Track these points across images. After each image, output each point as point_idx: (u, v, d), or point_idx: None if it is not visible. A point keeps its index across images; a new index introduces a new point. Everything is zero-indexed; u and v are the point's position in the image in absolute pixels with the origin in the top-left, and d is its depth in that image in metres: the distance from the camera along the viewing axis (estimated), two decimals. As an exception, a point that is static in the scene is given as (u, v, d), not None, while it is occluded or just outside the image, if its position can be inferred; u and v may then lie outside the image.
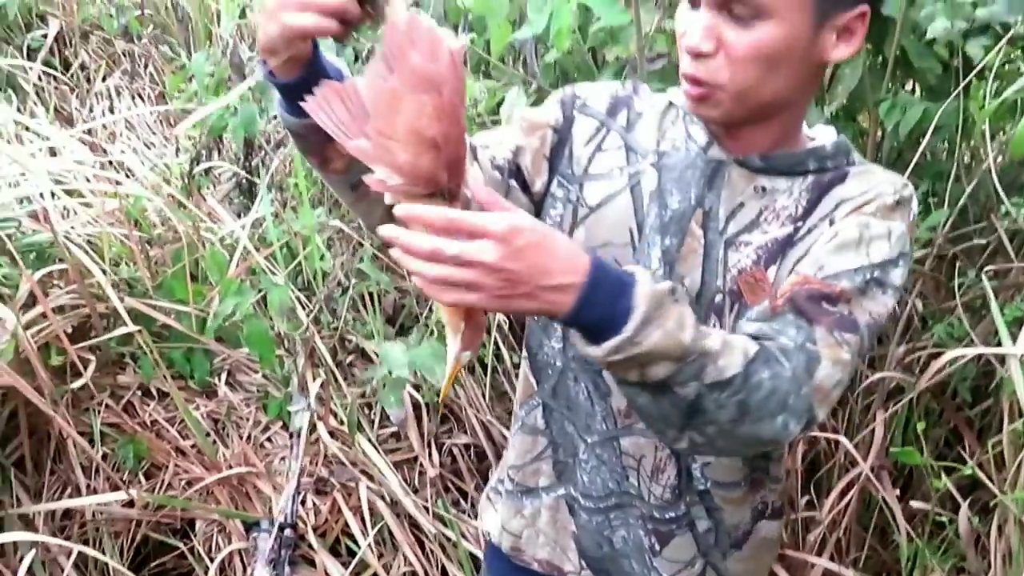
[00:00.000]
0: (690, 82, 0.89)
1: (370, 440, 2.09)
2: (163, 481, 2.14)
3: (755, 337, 0.85)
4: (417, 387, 2.11)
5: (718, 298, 0.95)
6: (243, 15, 2.43)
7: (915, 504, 1.66)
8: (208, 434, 2.20)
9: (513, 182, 1.02)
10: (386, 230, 0.74)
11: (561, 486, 1.11)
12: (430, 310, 2.12)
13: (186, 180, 2.43)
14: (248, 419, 2.27)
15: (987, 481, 1.43)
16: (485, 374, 2.17)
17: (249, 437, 2.23)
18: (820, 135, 0.98)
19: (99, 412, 2.17)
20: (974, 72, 1.60)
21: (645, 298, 0.76)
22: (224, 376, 2.33)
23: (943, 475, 1.54)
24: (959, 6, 1.73)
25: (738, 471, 1.05)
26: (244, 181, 2.79)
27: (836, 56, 0.88)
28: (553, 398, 1.09)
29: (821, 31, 0.86)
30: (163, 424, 2.23)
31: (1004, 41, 1.57)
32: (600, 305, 0.76)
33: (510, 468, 1.17)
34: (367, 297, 2.16)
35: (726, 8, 0.84)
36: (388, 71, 0.73)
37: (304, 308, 2.15)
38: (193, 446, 2.18)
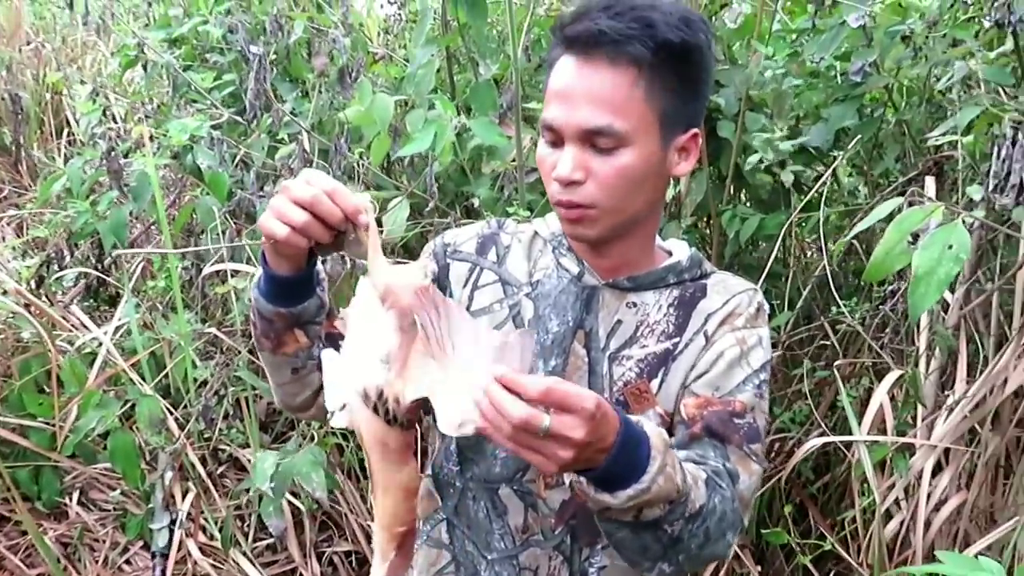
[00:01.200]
0: (565, 207, 0.96)
1: (245, 554, 2.01)
2: (6, 618, 1.94)
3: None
4: (295, 494, 2.06)
5: None
6: (104, 115, 2.36)
7: (784, 580, 1.81)
8: (59, 560, 2.02)
9: None
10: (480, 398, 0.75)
11: None
12: (310, 415, 2.09)
13: (34, 284, 2.28)
14: (104, 540, 2.11)
15: (846, 555, 1.61)
16: (364, 477, 2.15)
17: (106, 560, 2.07)
18: (675, 249, 1.08)
19: (-75, 545, 1.95)
20: (807, 197, 1.85)
21: (660, 449, 0.81)
22: (76, 495, 2.16)
23: (807, 551, 1.70)
24: (772, 141, 2.02)
25: (634, 573, 1.08)
26: (94, 283, 2.65)
27: (679, 171, 0.99)
28: (456, 515, 1.13)
29: (667, 151, 0.97)
30: (4, 553, 2.02)
31: (831, 169, 1.82)
32: (624, 460, 0.79)
33: None
34: (242, 403, 2.11)
35: (589, 142, 0.93)
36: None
37: (174, 419, 2.06)
38: (41, 575, 1.99)
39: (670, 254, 1.08)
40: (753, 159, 2.03)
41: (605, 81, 0.92)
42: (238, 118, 2.38)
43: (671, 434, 1.01)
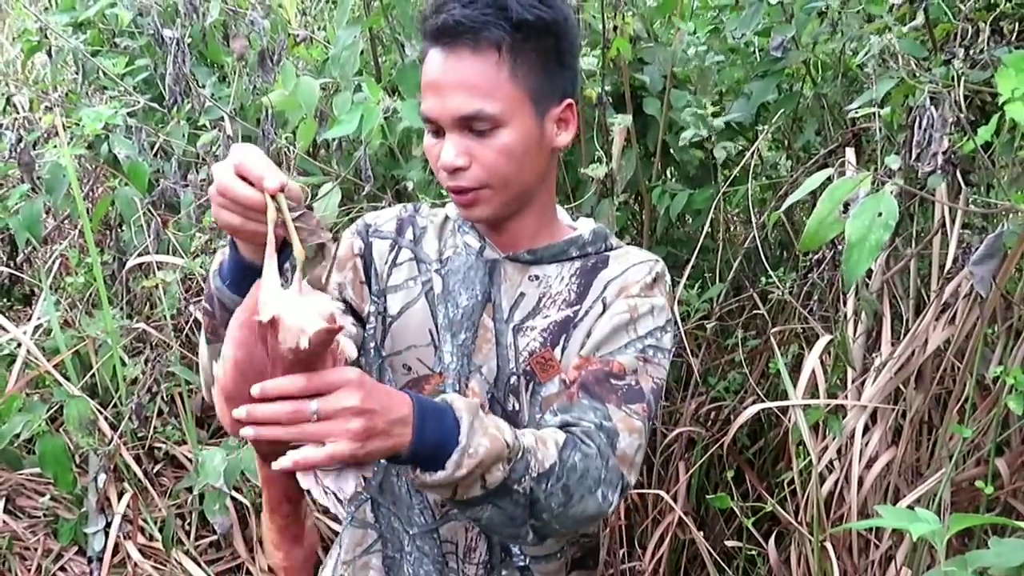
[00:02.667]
0: (456, 192, 1.01)
1: (188, 553, 1.96)
2: (-68, 636, 1.85)
3: (561, 427, 0.96)
4: (237, 489, 2.02)
5: (513, 380, 1.05)
6: (8, 105, 2.24)
7: (729, 543, 1.87)
8: (-14, 572, 1.94)
9: (349, 318, 1.08)
10: (239, 412, 0.75)
11: None
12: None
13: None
14: (36, 548, 2.03)
15: (788, 517, 1.67)
16: (309, 468, 2.12)
17: (39, 568, 1.99)
18: (581, 225, 1.12)
19: None
20: (733, 172, 1.89)
21: (465, 409, 0.84)
22: (2, 503, 2.07)
23: (747, 514, 1.76)
24: (703, 117, 2.06)
25: (555, 543, 1.12)
26: (6, 282, 2.53)
27: (561, 143, 1.04)
28: (380, 494, 1.15)
29: (544, 124, 1.01)
30: (-74, 569, 1.93)
31: (756, 144, 1.87)
32: (432, 428, 0.82)
33: (342, 564, 1.19)
34: (176, 399, 2.05)
35: (467, 127, 0.97)
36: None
37: (104, 419, 1.99)
38: (-32, 589, 1.91)
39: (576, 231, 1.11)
40: (688, 134, 2.06)
41: (470, 68, 0.96)
42: (155, 105, 2.29)
43: None
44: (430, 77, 0.99)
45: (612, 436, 0.96)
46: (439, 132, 0.99)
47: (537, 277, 1.07)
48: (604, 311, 1.04)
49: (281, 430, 0.74)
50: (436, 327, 1.07)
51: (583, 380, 0.99)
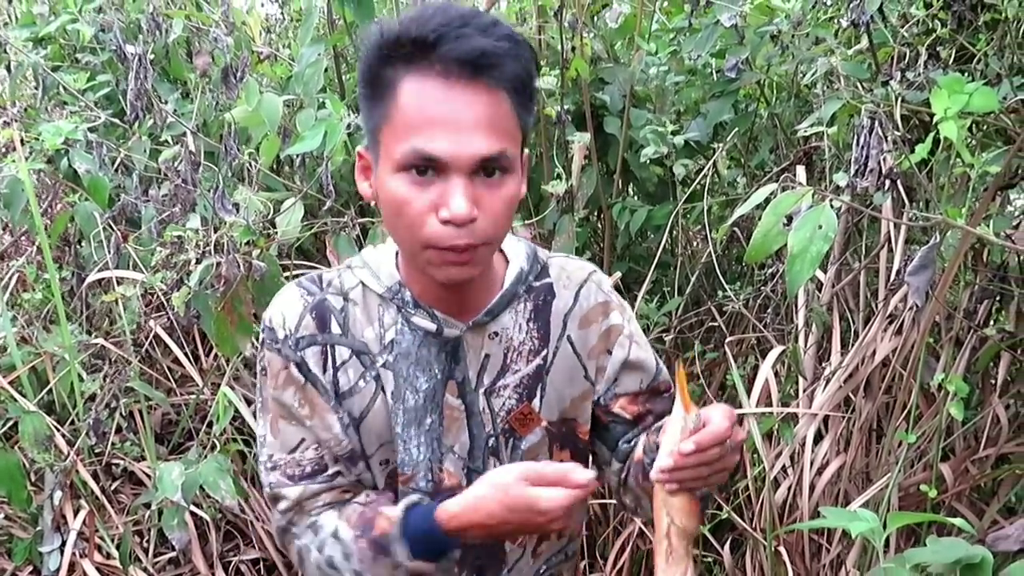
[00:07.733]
0: (459, 251, 0.87)
1: (146, 570, 1.94)
2: None
3: None
4: (197, 504, 2.00)
5: (492, 442, 1.02)
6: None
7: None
8: (-63, 595, 1.90)
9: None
10: None
11: None
12: (208, 424, 2.04)
13: None
14: (-12, 569, 1.99)
15: (741, 523, 1.71)
16: (270, 483, 2.11)
17: (-8, 589, 1.96)
18: (510, 252, 1.04)
19: None
20: (691, 189, 1.94)
21: None
22: (-46, 523, 2.03)
23: (704, 522, 1.79)
24: (663, 135, 2.11)
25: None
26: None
27: (521, 192, 0.93)
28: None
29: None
30: None
31: (712, 161, 1.92)
32: None
33: None
34: (136, 415, 2.03)
35: (478, 173, 0.85)
36: None
37: (61, 435, 1.97)
38: (-82, 612, 1.87)
39: (504, 258, 1.04)
40: (648, 151, 2.11)
41: (489, 105, 0.84)
42: (116, 120, 2.28)
43: (578, 437, 1.06)
44: (436, 112, 0.83)
45: None
46: (431, 173, 0.85)
47: (496, 333, 1.00)
48: (573, 349, 1.03)
49: None
50: (400, 420, 1.01)
51: (656, 414, 1.06)
